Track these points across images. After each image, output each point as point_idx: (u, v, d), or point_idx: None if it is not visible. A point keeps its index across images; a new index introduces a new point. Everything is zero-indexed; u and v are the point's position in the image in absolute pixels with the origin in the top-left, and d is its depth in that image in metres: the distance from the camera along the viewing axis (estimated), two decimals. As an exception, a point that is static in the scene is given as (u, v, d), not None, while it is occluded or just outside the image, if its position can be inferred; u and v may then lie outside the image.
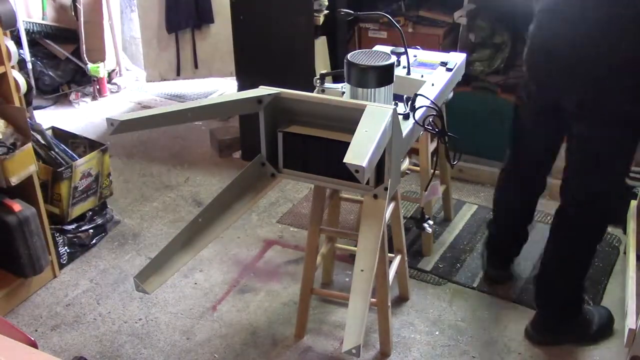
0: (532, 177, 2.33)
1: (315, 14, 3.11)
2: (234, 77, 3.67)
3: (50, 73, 4.18)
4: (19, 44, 3.65)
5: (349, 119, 1.67)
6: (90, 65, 4.21)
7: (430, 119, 1.94)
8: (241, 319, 2.36)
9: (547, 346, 2.22)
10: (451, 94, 2.31)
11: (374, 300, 2.06)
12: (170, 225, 2.93)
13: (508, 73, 3.17)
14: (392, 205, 2.11)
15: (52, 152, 2.60)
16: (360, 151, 1.45)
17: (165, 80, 4.51)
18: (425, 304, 2.43)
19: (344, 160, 1.42)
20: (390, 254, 2.16)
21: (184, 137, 3.80)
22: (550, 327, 2.23)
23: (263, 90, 1.88)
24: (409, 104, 1.90)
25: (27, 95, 2.70)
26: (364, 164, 1.40)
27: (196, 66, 4.47)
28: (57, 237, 2.58)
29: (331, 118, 1.78)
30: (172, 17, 4.24)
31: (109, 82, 4.48)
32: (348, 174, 1.52)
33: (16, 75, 2.35)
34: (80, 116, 4.12)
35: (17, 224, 2.28)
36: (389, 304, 2.09)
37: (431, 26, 3.32)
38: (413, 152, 2.47)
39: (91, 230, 2.74)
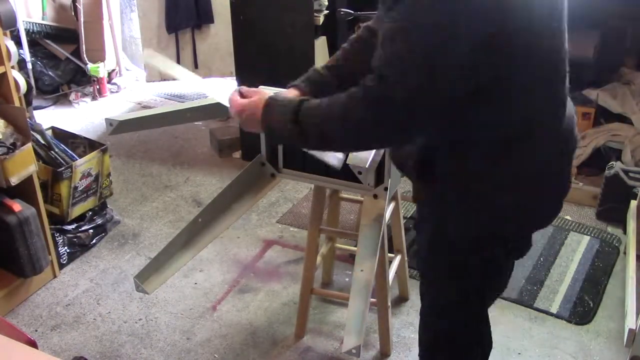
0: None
1: (315, 14, 3.11)
2: (234, 77, 3.67)
3: (50, 73, 4.18)
4: (19, 44, 3.65)
5: (348, 119, 1.67)
6: (90, 65, 4.21)
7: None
8: (241, 319, 2.36)
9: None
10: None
11: (374, 300, 2.06)
12: (170, 225, 2.93)
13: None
14: (392, 205, 2.11)
15: (52, 152, 2.60)
16: (363, 153, 1.45)
17: (165, 80, 4.52)
18: (425, 304, 2.42)
19: (347, 162, 1.42)
20: (390, 254, 2.15)
21: (184, 137, 3.80)
22: None
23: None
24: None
25: (27, 95, 2.69)
26: (367, 165, 1.41)
27: (196, 66, 4.47)
28: (57, 237, 2.58)
29: (331, 118, 1.77)
30: (172, 17, 4.25)
31: (109, 82, 4.48)
32: (348, 174, 1.53)
33: (16, 75, 2.35)
34: (80, 116, 4.12)
35: (17, 224, 2.28)
36: (389, 304, 2.09)
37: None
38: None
39: (91, 230, 2.74)
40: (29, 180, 2.32)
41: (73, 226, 2.67)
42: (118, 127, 1.63)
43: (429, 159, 1.30)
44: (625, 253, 2.66)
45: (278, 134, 1.31)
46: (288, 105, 1.27)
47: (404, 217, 2.90)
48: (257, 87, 1.90)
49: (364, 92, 1.16)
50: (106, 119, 1.63)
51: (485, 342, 1.67)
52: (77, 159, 2.63)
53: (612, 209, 2.89)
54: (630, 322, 2.13)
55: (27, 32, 3.92)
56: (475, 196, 1.28)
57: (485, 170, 1.26)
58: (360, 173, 1.41)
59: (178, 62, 4.43)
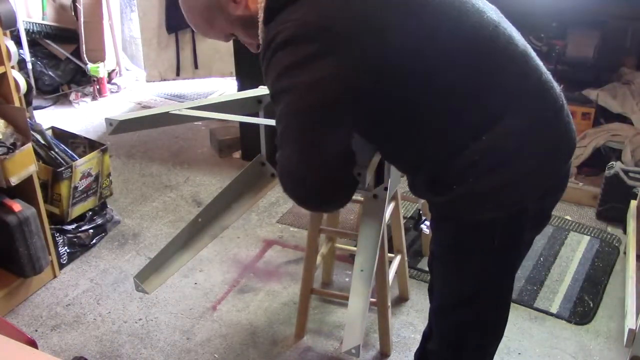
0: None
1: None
2: (234, 77, 3.67)
3: (50, 73, 4.18)
4: (19, 44, 3.65)
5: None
6: (90, 65, 4.21)
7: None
8: (241, 319, 2.36)
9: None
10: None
11: (374, 300, 2.06)
12: (170, 225, 2.93)
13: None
14: (392, 205, 2.11)
15: (52, 152, 2.60)
16: (361, 155, 1.45)
17: (165, 80, 4.52)
18: (425, 304, 2.41)
19: None
20: (390, 254, 2.15)
21: (184, 137, 3.80)
22: None
23: (263, 90, 1.88)
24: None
25: (27, 95, 2.69)
26: (365, 167, 1.41)
27: (196, 66, 4.47)
28: (57, 237, 2.58)
29: (331, 118, 1.77)
30: (172, 17, 4.25)
31: (109, 82, 4.48)
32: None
33: (16, 75, 2.35)
34: (80, 116, 4.12)
35: (17, 224, 2.28)
36: (389, 304, 2.09)
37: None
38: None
39: (91, 230, 2.74)
40: (29, 180, 2.32)
41: (73, 226, 2.67)
42: (118, 127, 1.62)
43: (433, 176, 1.36)
44: (625, 253, 2.66)
45: None
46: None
47: (404, 217, 2.90)
48: (257, 87, 1.91)
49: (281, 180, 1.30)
50: (106, 119, 1.63)
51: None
52: (77, 159, 2.63)
53: (612, 209, 2.90)
54: (630, 322, 2.13)
55: (27, 32, 3.92)
56: (475, 180, 1.31)
57: (475, 157, 1.29)
58: (359, 174, 1.41)
59: (178, 62, 4.43)
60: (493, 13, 1.32)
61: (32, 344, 1.53)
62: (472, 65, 1.25)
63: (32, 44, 4.02)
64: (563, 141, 1.38)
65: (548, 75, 1.36)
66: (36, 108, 3.90)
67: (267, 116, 1.85)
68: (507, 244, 1.41)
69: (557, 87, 1.37)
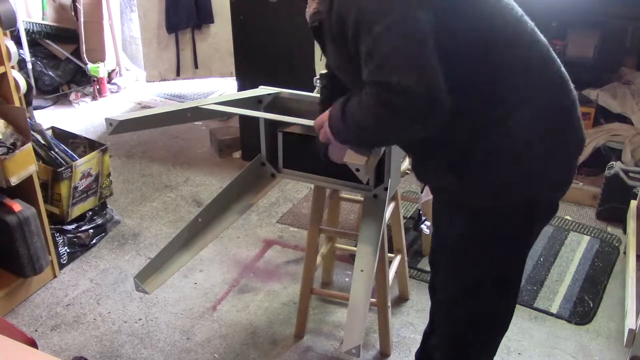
0: None
1: (315, 14, 3.11)
2: (234, 77, 3.67)
3: (50, 73, 4.18)
4: (19, 44, 3.65)
5: (348, 119, 1.67)
6: (90, 65, 4.21)
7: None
8: (241, 319, 2.36)
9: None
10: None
11: (374, 300, 2.06)
12: (170, 225, 2.93)
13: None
14: (392, 205, 2.11)
15: (52, 152, 2.60)
16: (361, 150, 1.45)
17: (165, 80, 4.52)
18: (425, 304, 2.42)
19: (344, 159, 1.42)
20: (390, 254, 2.15)
21: (184, 137, 3.80)
22: None
23: (263, 90, 1.89)
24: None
25: (27, 95, 2.69)
26: (364, 162, 1.41)
27: (196, 66, 4.47)
28: (57, 237, 2.58)
29: (331, 118, 1.77)
30: (172, 17, 4.25)
31: (109, 82, 4.48)
32: (348, 174, 1.53)
33: (16, 75, 2.35)
34: (80, 116, 4.12)
35: (17, 224, 2.28)
36: (389, 304, 2.09)
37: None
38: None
39: (91, 230, 2.74)
40: (29, 180, 2.32)
41: (73, 226, 2.67)
42: (118, 127, 1.63)
43: (452, 162, 1.37)
44: (625, 253, 2.66)
45: (338, 128, 1.38)
46: (340, 103, 1.37)
47: (404, 217, 2.90)
48: (257, 87, 1.91)
49: (373, 101, 1.22)
50: (106, 119, 1.63)
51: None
52: (77, 159, 2.63)
53: (612, 209, 2.90)
54: (630, 322, 2.13)
55: (27, 32, 3.92)
56: (495, 166, 1.33)
57: (494, 140, 1.31)
58: (357, 170, 1.41)
59: (178, 62, 4.44)
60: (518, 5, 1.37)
61: (32, 344, 1.53)
62: (501, 41, 1.28)
63: (32, 44, 4.02)
64: (579, 132, 1.40)
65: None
66: (36, 108, 3.90)
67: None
68: (519, 232, 1.43)
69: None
